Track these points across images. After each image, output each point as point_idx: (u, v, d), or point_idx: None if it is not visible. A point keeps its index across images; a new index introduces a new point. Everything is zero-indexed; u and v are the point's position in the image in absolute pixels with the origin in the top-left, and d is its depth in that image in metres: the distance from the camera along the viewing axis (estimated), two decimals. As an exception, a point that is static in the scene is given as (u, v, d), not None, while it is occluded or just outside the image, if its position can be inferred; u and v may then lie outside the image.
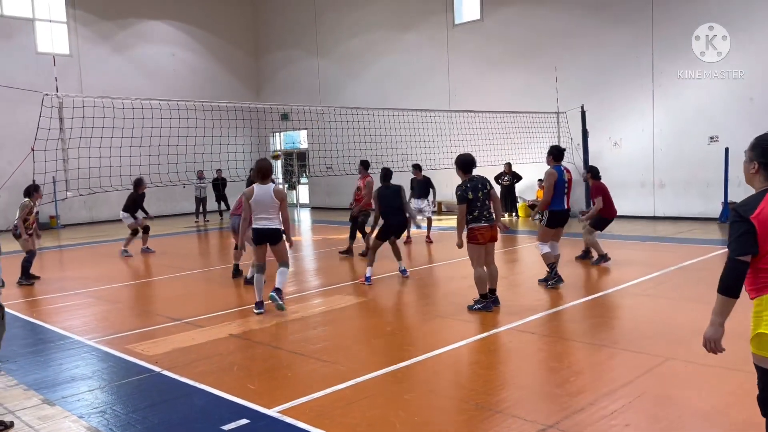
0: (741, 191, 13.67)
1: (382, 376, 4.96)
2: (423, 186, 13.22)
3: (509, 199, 17.31)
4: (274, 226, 6.95)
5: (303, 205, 24.74)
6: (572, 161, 15.69)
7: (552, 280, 8.07)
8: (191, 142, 11.48)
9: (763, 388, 2.92)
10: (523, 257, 11.48)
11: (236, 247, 9.95)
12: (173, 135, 11.18)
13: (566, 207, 8.23)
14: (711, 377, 4.68)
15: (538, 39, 17.04)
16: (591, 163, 14.50)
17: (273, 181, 7.38)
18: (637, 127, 15.43)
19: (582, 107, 14.51)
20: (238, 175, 14.75)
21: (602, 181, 9.97)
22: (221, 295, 8.65)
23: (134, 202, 12.62)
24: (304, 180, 25.34)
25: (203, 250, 13.81)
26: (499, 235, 7.33)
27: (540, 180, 16.95)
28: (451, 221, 16.89)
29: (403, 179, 20.40)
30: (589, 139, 14.80)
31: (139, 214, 12.80)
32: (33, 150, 8.50)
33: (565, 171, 8.24)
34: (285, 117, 21.56)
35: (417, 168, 13.08)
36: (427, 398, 4.49)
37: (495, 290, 7.07)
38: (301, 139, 24.76)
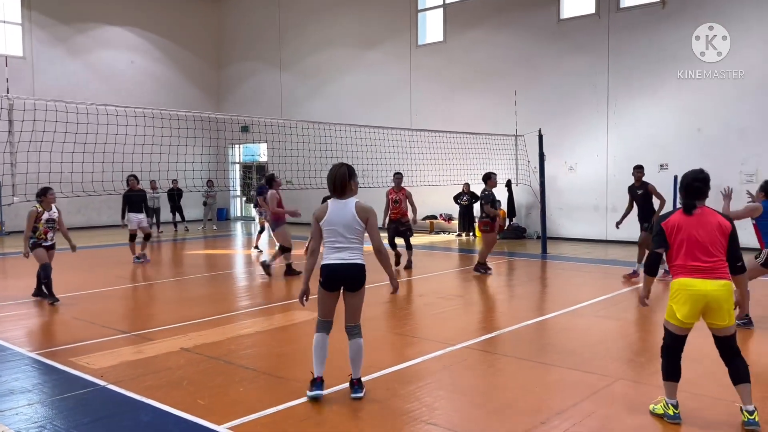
0: (688, 218, 14.15)
1: (336, 392, 4.89)
2: None
3: (467, 219, 17.50)
4: (355, 261, 4.75)
5: (260, 219, 24.45)
6: (529, 184, 16.01)
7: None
8: (147, 150, 11.24)
9: (664, 339, 4.35)
10: (479, 276, 11.57)
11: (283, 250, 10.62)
12: (128, 143, 10.94)
13: None
14: (659, 397, 4.78)
15: (499, 63, 17.39)
16: (547, 185, 14.81)
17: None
18: (591, 153, 15.85)
19: (539, 131, 14.80)
20: (195, 186, 14.54)
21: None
22: (173, 308, 8.44)
23: (129, 201, 12.62)
24: (262, 193, 25.07)
25: (155, 261, 13.46)
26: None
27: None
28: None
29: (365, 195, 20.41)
30: (545, 163, 15.10)
31: (135, 217, 12.72)
32: (-21, 152, 8.18)
33: None
34: (245, 129, 21.37)
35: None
36: (381, 415, 4.45)
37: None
38: (261, 152, 24.55)
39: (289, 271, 10.79)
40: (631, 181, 10.80)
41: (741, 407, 4.10)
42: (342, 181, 4.78)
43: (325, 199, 5.27)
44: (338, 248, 4.74)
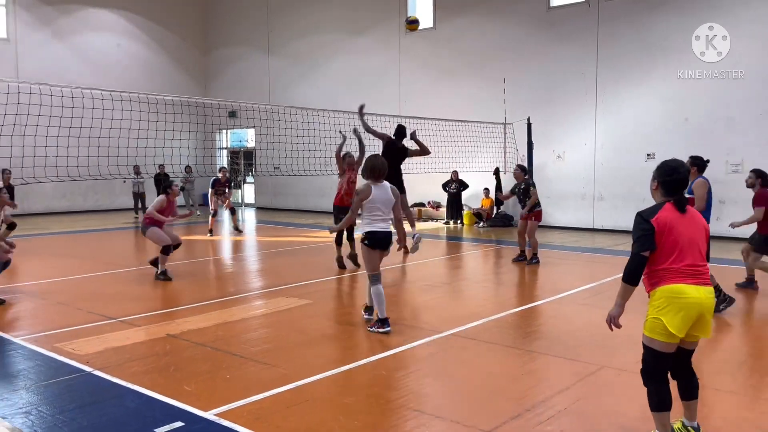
0: (674, 207, 14.29)
1: (323, 379, 4.91)
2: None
3: (455, 207, 17.53)
4: (390, 230, 6.37)
5: (248, 205, 24.38)
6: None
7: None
8: (133, 135, 11.12)
9: (645, 362, 3.68)
10: (466, 264, 11.64)
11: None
12: (114, 127, 10.81)
13: None
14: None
15: (489, 50, 17.35)
16: (535, 174, 14.86)
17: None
18: (579, 141, 15.90)
19: (528, 119, 14.83)
20: (181, 171, 14.36)
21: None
22: (159, 294, 8.40)
23: None
24: (250, 179, 24.97)
25: (140, 246, 13.38)
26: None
27: (486, 189, 17.25)
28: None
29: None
30: (534, 151, 15.14)
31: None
32: (-38, 136, 8.05)
33: None
34: (233, 114, 21.20)
35: None
36: (368, 402, 4.47)
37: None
38: (248, 138, 24.40)
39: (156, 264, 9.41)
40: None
41: (684, 423, 3.78)
42: (381, 172, 6.25)
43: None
44: (380, 219, 6.22)
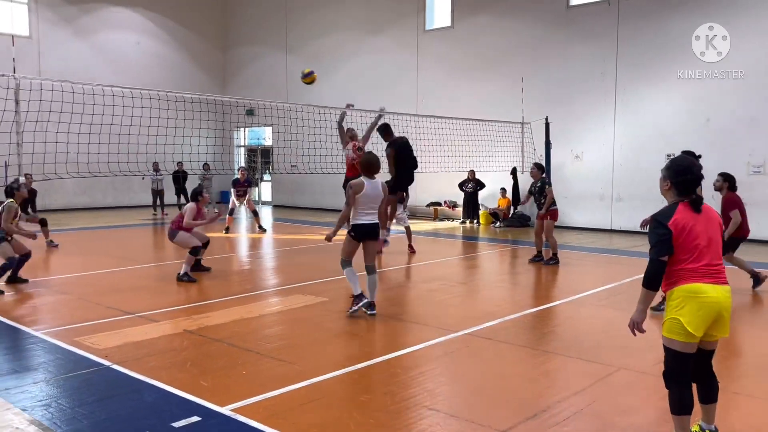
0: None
1: (338, 376, 4.92)
2: None
3: (471, 206, 17.47)
4: (376, 221, 6.82)
5: (265, 203, 24.50)
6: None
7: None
8: (152, 132, 11.22)
9: (667, 364, 3.62)
10: (482, 264, 11.60)
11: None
12: (134, 124, 10.92)
13: None
14: (661, 386, 4.78)
15: (507, 49, 17.26)
16: (552, 174, 14.76)
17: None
18: (598, 141, 15.76)
19: (546, 119, 14.72)
20: (199, 168, 14.41)
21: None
22: (177, 290, 8.47)
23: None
24: (267, 177, 25.09)
25: (159, 243, 13.51)
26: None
27: (503, 189, 17.17)
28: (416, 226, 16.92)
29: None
30: (552, 151, 15.03)
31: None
32: (-15, 132, 8.17)
33: None
34: (250, 112, 21.32)
35: None
36: (383, 400, 4.48)
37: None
38: (266, 136, 24.52)
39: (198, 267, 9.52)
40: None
41: (702, 426, 3.75)
42: (376, 167, 6.78)
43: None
44: (369, 213, 6.70)
